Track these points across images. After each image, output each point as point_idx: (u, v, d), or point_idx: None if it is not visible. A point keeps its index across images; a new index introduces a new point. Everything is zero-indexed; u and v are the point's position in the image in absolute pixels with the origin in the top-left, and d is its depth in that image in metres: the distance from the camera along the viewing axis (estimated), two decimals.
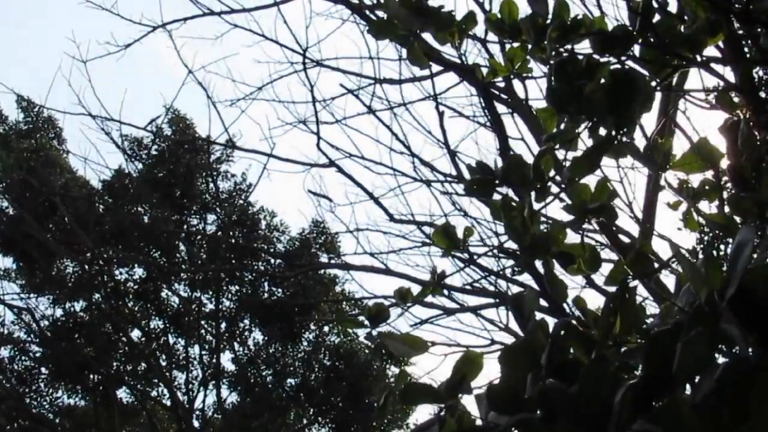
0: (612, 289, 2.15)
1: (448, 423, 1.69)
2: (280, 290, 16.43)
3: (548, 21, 2.14)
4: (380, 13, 6.37)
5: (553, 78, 2.10)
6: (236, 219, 16.43)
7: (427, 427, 1.72)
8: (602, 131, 2.11)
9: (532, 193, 2.14)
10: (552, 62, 2.10)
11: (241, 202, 16.62)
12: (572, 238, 2.42)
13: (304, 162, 9.07)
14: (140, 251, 16.22)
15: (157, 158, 16.55)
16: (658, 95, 3.10)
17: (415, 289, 3.00)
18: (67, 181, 16.36)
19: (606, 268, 2.54)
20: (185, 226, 16.70)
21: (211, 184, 16.58)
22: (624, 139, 2.12)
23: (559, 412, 1.41)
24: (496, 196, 2.34)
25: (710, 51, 2.95)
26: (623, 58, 2.23)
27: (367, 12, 7.13)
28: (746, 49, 3.25)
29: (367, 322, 2.61)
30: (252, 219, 16.59)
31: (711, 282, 1.53)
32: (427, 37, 2.58)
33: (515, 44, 2.28)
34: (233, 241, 16.31)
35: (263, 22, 31.78)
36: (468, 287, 7.53)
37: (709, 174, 2.34)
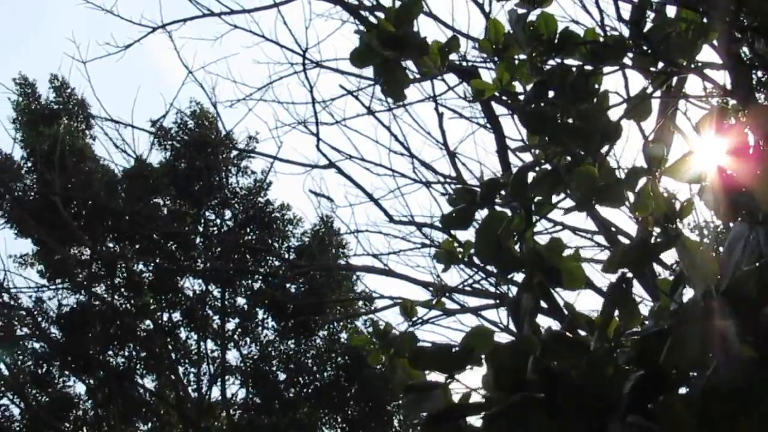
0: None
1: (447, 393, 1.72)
2: (293, 288, 16.37)
3: (537, 34, 2.16)
4: (380, 15, 6.39)
5: (530, 100, 2.13)
6: (252, 215, 16.42)
7: (430, 390, 1.74)
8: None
9: (525, 208, 2.16)
10: (531, 84, 2.12)
11: (259, 199, 16.61)
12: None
13: (304, 163, 9.13)
14: (157, 243, 16.19)
15: (177, 151, 16.53)
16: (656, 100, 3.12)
17: (416, 289, 3.04)
18: (90, 170, 16.33)
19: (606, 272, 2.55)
20: (202, 220, 16.69)
21: (231, 179, 16.60)
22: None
23: (561, 395, 1.42)
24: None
25: (710, 56, 2.98)
26: (617, 66, 2.25)
27: (366, 13, 7.15)
28: (743, 53, 3.27)
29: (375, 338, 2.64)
30: (269, 216, 16.55)
31: (710, 276, 1.56)
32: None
33: (505, 60, 2.29)
34: (247, 238, 16.34)
35: (263, 24, 31.81)
36: (468, 288, 7.55)
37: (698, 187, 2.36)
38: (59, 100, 17.18)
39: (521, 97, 2.35)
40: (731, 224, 2.48)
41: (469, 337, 1.91)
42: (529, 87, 2.31)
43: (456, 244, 2.92)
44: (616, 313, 1.90)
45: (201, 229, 16.61)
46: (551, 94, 2.19)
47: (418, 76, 3.18)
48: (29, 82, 17.00)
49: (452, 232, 7.95)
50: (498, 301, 7.35)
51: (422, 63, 2.34)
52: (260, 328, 16.70)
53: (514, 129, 7.72)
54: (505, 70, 2.26)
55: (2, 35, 31.35)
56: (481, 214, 2.45)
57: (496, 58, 2.33)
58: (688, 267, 1.83)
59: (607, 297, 1.86)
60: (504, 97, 6.83)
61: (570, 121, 2.09)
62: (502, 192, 2.36)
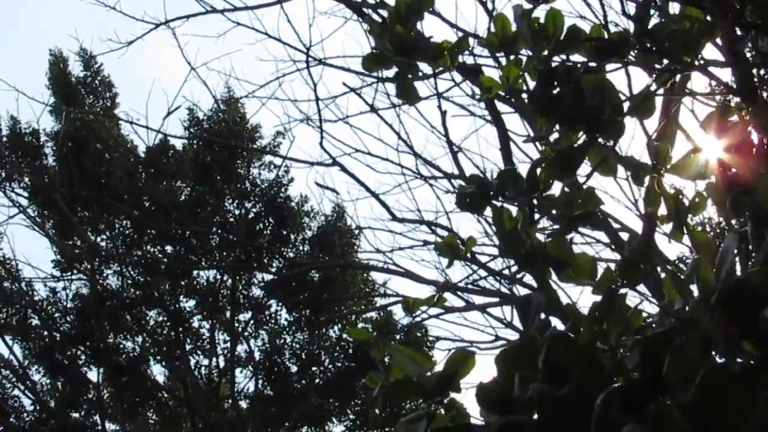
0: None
1: (439, 418, 1.72)
2: (305, 280, 16.30)
3: (543, 31, 2.16)
4: (383, 13, 6.39)
5: (538, 87, 2.13)
6: (272, 210, 16.36)
7: (415, 421, 1.75)
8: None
9: (528, 204, 2.16)
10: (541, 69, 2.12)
11: (280, 194, 16.54)
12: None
13: (307, 161, 9.15)
14: (171, 231, 16.13)
15: (202, 133, 16.43)
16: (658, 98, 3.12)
17: (419, 288, 3.04)
18: (112, 151, 16.24)
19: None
20: (220, 211, 16.62)
21: (253, 170, 16.53)
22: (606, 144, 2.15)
23: (549, 414, 1.44)
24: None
25: (712, 54, 2.98)
26: (620, 64, 2.25)
27: (369, 11, 7.15)
28: (746, 52, 3.27)
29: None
30: (288, 211, 16.45)
31: (701, 289, 1.56)
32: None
33: (511, 57, 2.29)
34: (264, 232, 16.35)
35: (266, 21, 31.80)
36: (472, 286, 7.56)
37: (703, 184, 2.36)
38: (86, 74, 17.12)
39: (524, 95, 2.35)
40: (733, 222, 2.49)
41: (451, 361, 1.93)
42: (537, 80, 2.31)
43: (458, 241, 2.93)
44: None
45: (219, 219, 16.54)
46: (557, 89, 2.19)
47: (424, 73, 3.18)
48: (63, 57, 16.94)
49: (454, 230, 7.98)
50: (502, 299, 7.37)
51: (433, 64, 2.34)
52: (273, 321, 16.66)
53: (517, 125, 7.71)
54: (513, 66, 2.26)
55: (2, 34, 31.38)
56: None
57: (501, 53, 2.33)
58: (675, 284, 1.82)
59: (591, 314, 1.84)
60: (508, 96, 6.85)
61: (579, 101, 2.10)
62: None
